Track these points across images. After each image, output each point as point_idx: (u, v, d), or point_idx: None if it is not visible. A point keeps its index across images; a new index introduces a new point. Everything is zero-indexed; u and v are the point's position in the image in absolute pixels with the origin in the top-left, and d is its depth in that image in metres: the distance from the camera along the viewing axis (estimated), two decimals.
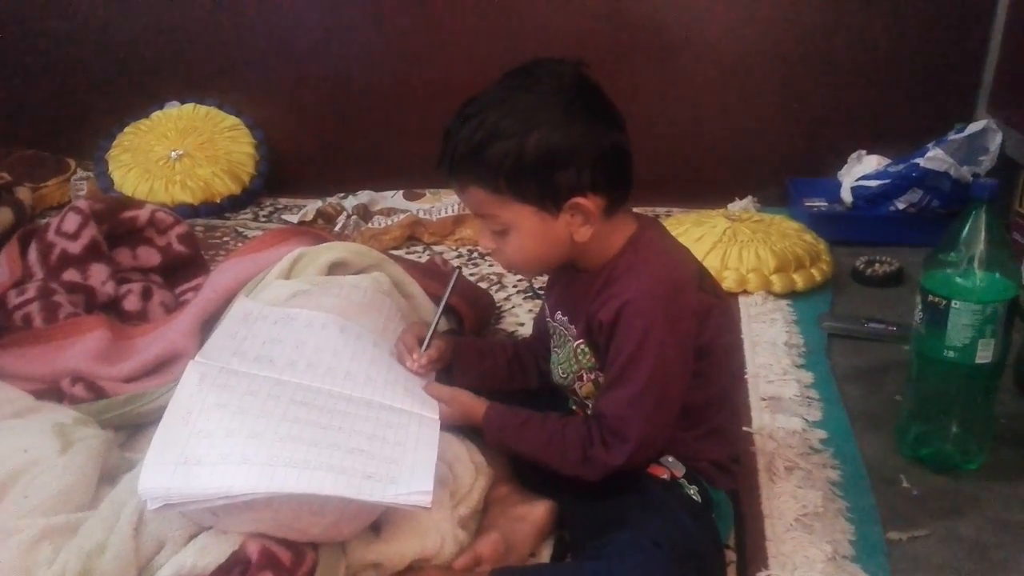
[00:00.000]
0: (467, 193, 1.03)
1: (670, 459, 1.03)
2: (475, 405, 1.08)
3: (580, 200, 0.99)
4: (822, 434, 1.30)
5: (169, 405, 0.95)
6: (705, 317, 1.01)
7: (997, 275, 1.14)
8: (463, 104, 1.01)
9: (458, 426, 1.09)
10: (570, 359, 1.09)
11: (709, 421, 1.06)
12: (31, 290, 1.47)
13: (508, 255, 1.05)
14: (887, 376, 1.46)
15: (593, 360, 1.07)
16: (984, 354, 1.14)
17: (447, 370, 1.17)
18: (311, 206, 2.19)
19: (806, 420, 1.34)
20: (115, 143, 2.39)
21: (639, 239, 1.05)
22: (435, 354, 1.14)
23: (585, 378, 1.09)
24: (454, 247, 2.07)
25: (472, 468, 1.06)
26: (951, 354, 1.15)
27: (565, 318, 1.10)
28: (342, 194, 2.25)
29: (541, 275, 1.78)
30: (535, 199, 0.99)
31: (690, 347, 1.00)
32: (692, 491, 1.02)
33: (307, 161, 2.46)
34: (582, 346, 1.07)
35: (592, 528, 0.99)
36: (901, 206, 2.03)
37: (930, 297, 1.16)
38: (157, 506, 0.87)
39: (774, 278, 1.77)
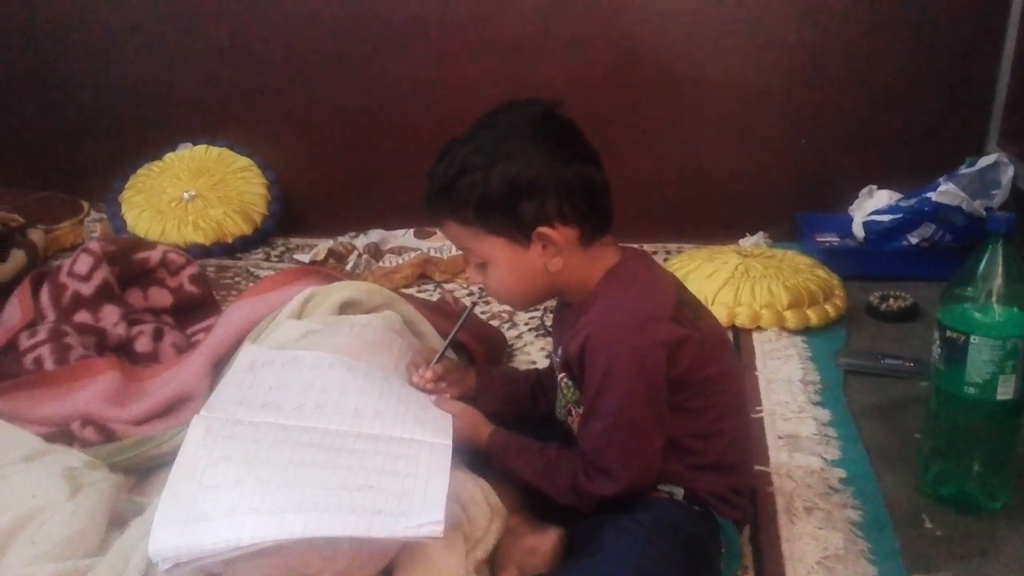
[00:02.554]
0: (445, 227, 1.08)
1: (667, 486, 1.03)
2: (483, 424, 1.11)
3: (546, 230, 1.01)
4: (841, 473, 1.28)
5: (175, 462, 0.94)
6: (676, 348, 1.00)
7: (1016, 310, 1.12)
8: (444, 145, 1.06)
9: (465, 444, 1.09)
10: (560, 394, 1.11)
11: (701, 455, 1.04)
12: (42, 332, 1.47)
13: (491, 287, 1.09)
14: (905, 413, 1.44)
15: (577, 394, 1.07)
16: (1005, 390, 1.13)
17: (472, 400, 1.18)
18: (322, 245, 2.19)
19: (824, 459, 1.32)
20: (128, 184, 2.41)
21: (615, 271, 1.06)
22: (441, 371, 1.18)
23: (574, 412, 1.09)
24: (465, 285, 2.07)
25: (488, 510, 1.05)
26: (971, 390, 1.14)
27: (558, 352, 1.11)
28: (353, 233, 2.26)
29: (528, 308, 1.81)
30: (504, 230, 1.03)
31: (660, 379, 1.00)
32: (694, 508, 1.03)
33: (318, 201, 2.48)
34: (565, 379, 1.08)
35: (588, 533, 1.00)
36: (914, 240, 2.02)
37: (948, 333, 1.15)
38: (168, 567, 0.85)
39: (788, 314, 1.75)
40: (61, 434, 1.29)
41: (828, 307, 1.79)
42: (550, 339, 1.72)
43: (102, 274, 1.56)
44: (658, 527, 0.96)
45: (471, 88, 2.26)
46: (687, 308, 1.06)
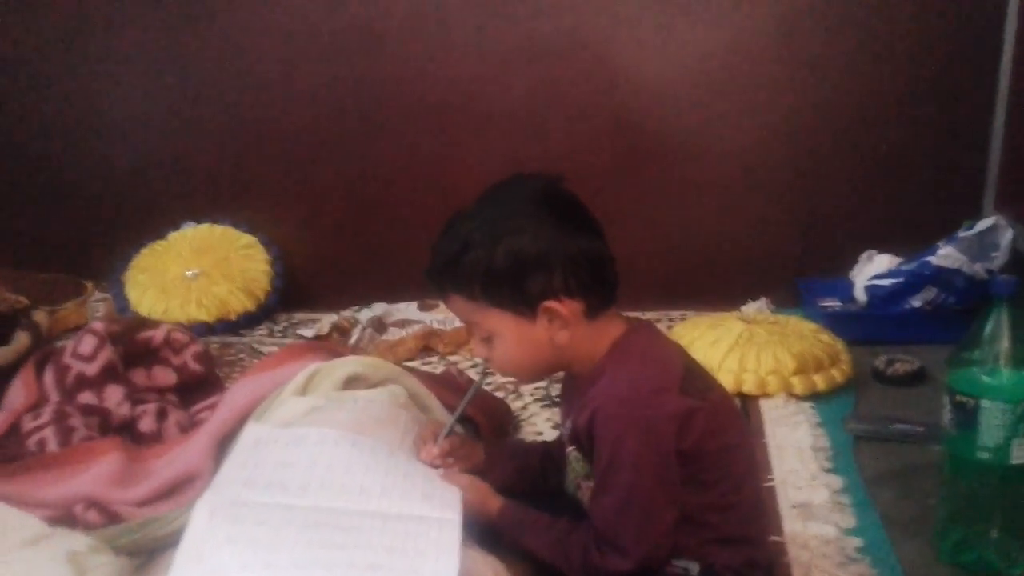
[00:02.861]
0: (450, 302, 1.08)
1: (683, 560, 1.01)
2: (492, 498, 1.10)
3: (553, 304, 1.01)
4: (858, 542, 1.25)
5: (180, 546, 0.93)
6: (686, 421, 0.99)
7: None
8: (448, 220, 1.06)
9: (474, 518, 1.07)
10: (569, 467, 1.10)
11: (715, 528, 1.03)
12: (46, 414, 1.46)
13: (497, 361, 1.09)
14: (919, 478, 1.42)
15: (587, 467, 1.06)
16: (1020, 454, 1.11)
17: (481, 474, 1.17)
18: (326, 320, 2.19)
19: (839, 527, 1.29)
20: (131, 264, 2.42)
21: (622, 343, 1.05)
22: (448, 447, 1.17)
23: (583, 486, 1.07)
24: (469, 357, 2.06)
25: None
26: (985, 455, 1.12)
27: (567, 425, 1.10)
28: (356, 307, 2.26)
29: (534, 382, 1.80)
30: (509, 305, 1.03)
31: (670, 452, 0.99)
32: None
33: (321, 275, 2.49)
34: (574, 452, 1.07)
35: None
36: (917, 304, 2.02)
37: (958, 397, 1.14)
38: None
39: (794, 380, 1.74)
40: (64, 517, 1.27)
41: (835, 372, 1.78)
42: (556, 410, 1.71)
43: (106, 354, 1.56)
44: None
45: (472, 162, 2.29)
46: (696, 379, 1.05)
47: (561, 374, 1.16)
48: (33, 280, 2.39)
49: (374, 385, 1.38)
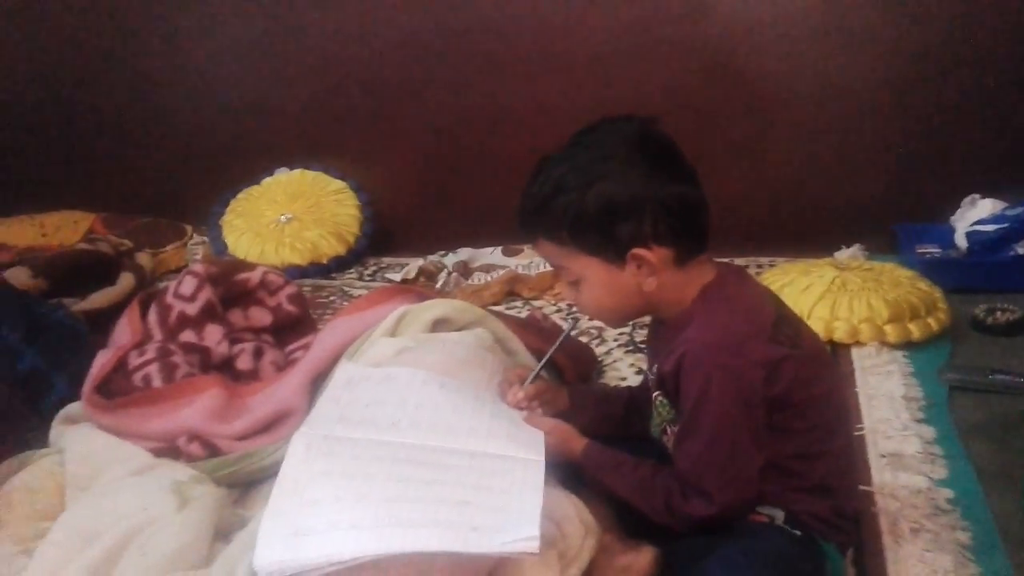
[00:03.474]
0: (538, 246, 1.07)
1: (767, 507, 1.01)
2: (576, 439, 1.11)
3: (642, 251, 1.00)
4: (949, 493, 1.23)
5: (278, 477, 0.97)
6: (775, 369, 0.98)
7: None
8: (538, 163, 1.05)
9: (558, 459, 1.08)
10: (654, 412, 1.09)
11: (802, 477, 1.02)
12: (150, 351, 1.53)
13: (584, 305, 1.08)
14: (1017, 431, 1.38)
15: (673, 412, 1.05)
16: None
17: (564, 417, 1.17)
18: (413, 264, 2.23)
19: (930, 478, 1.27)
20: (228, 209, 2.50)
21: (711, 289, 1.04)
22: (534, 391, 1.17)
23: (669, 431, 1.07)
24: (553, 302, 2.07)
25: (581, 528, 1.04)
26: None
27: (653, 370, 1.09)
28: (443, 252, 2.29)
29: (621, 326, 1.79)
30: (598, 251, 1.02)
31: (757, 399, 0.98)
32: (796, 533, 1.00)
33: (408, 221, 2.53)
34: (660, 397, 1.07)
35: (689, 560, 0.98)
36: (1021, 251, 1.93)
37: None
38: None
39: (888, 328, 1.70)
40: (168, 449, 1.34)
41: (931, 321, 1.72)
42: (640, 355, 1.71)
43: (206, 295, 1.62)
44: (766, 561, 0.93)
45: (558, 105, 2.27)
46: (787, 326, 1.03)
47: (647, 319, 1.15)
48: (136, 224, 2.50)
49: (461, 328, 1.41)
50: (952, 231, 2.06)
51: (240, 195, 2.53)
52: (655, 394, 1.08)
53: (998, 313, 1.76)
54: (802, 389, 1.00)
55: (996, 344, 1.71)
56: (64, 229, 2.48)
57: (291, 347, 1.69)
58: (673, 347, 1.01)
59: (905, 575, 1.06)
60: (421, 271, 2.20)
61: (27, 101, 2.68)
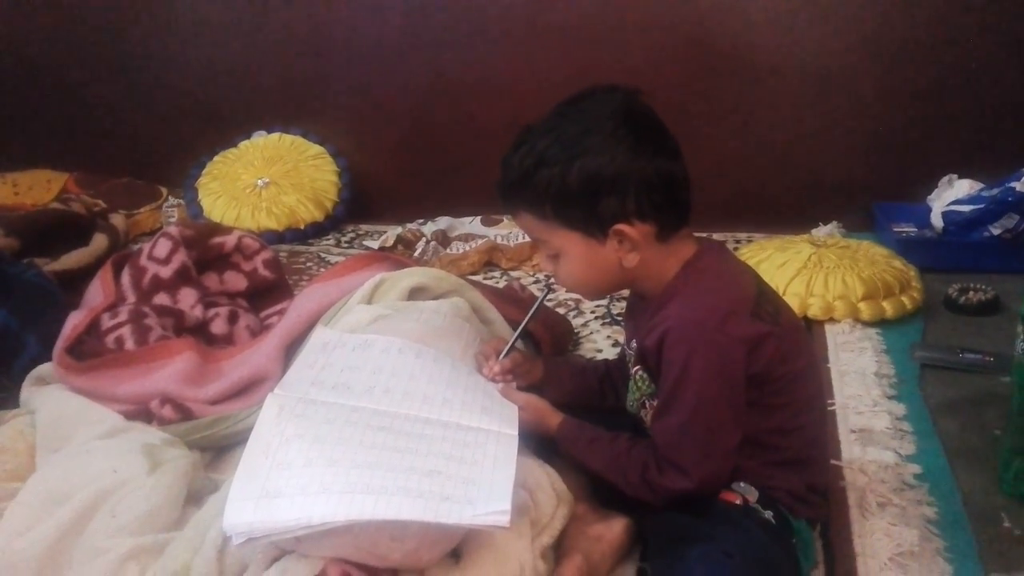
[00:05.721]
0: (519, 218, 1.06)
1: (742, 484, 1.02)
2: (550, 414, 1.11)
3: (624, 227, 1.00)
4: (916, 469, 1.25)
5: (250, 439, 0.96)
6: (757, 345, 0.98)
7: None
8: (519, 132, 1.03)
9: (532, 434, 1.09)
10: (633, 386, 1.09)
11: (778, 451, 1.03)
12: (123, 313, 1.51)
13: (563, 278, 1.08)
14: (985, 409, 1.40)
15: (652, 387, 1.06)
16: None
17: (538, 389, 1.18)
18: (391, 232, 2.21)
19: (899, 454, 1.29)
20: (204, 171, 2.46)
21: (693, 264, 1.04)
22: (510, 364, 1.17)
23: (648, 405, 1.07)
24: (531, 273, 2.07)
25: (554, 496, 1.05)
26: None
27: (632, 344, 1.09)
28: (421, 220, 2.28)
29: (599, 299, 1.80)
30: (580, 225, 1.01)
31: (739, 375, 0.98)
32: (768, 515, 1.00)
33: (387, 188, 2.50)
34: (640, 372, 1.07)
35: (666, 544, 0.99)
36: (996, 232, 1.95)
37: None
38: (242, 541, 0.88)
39: (862, 305, 1.71)
40: (140, 412, 1.33)
41: (904, 299, 1.74)
42: (616, 328, 1.71)
43: (180, 258, 1.60)
44: (747, 561, 0.92)
45: (540, 74, 2.25)
46: (767, 303, 1.04)
47: (625, 292, 1.15)
48: (110, 185, 2.46)
49: (438, 297, 1.40)
50: (929, 211, 2.07)
51: (216, 158, 2.49)
52: (634, 369, 1.08)
53: (971, 293, 1.78)
54: (782, 365, 1.01)
55: (968, 324, 1.73)
56: (37, 188, 2.44)
57: (266, 312, 1.68)
58: (655, 323, 1.01)
59: (871, 549, 1.08)
60: (399, 239, 2.18)
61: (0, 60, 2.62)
